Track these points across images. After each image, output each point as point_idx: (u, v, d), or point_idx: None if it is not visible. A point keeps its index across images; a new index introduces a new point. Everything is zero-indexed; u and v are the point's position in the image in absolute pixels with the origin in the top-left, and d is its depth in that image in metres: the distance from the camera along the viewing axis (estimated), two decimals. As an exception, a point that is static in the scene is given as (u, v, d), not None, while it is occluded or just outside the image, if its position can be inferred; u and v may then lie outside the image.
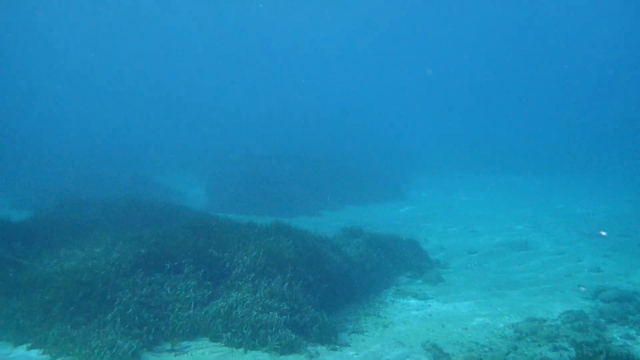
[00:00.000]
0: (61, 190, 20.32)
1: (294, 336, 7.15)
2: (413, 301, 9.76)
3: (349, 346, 7.37)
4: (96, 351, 6.49)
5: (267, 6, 63.62)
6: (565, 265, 12.57)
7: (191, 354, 6.78)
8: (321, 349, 7.17)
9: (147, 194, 18.75)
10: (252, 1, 62.82)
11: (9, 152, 29.05)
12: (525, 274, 11.93)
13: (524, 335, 7.81)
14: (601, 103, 59.24)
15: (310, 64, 74.29)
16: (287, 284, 8.28)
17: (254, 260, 8.71)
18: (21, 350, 6.82)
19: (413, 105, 65.95)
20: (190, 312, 7.60)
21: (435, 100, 67.67)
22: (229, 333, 7.16)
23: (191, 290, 8.05)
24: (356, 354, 7.09)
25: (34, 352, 6.74)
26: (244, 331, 7.12)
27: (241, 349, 6.94)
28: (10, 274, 8.33)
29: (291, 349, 6.96)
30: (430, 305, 9.47)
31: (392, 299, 9.90)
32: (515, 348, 7.34)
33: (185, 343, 7.09)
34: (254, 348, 6.95)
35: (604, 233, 15.44)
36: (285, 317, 7.53)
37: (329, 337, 7.47)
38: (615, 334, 7.85)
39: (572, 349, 7.14)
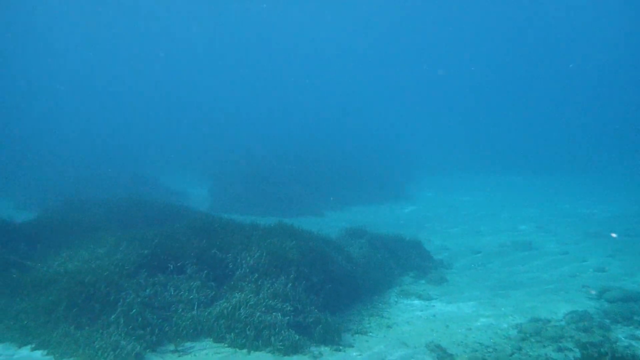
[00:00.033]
0: (63, 190, 20.33)
1: (297, 337, 7.14)
2: (417, 302, 9.73)
3: (353, 347, 7.35)
4: (100, 352, 6.49)
5: (267, 6, 63.63)
6: (570, 265, 12.53)
7: (195, 355, 6.77)
8: (325, 349, 7.16)
9: (149, 194, 18.77)
10: (252, 1, 62.79)
11: (11, 152, 29.08)
12: (530, 274, 11.90)
13: (528, 335, 7.78)
14: (601, 103, 59.28)
15: (311, 63, 74.32)
16: (290, 284, 8.27)
17: (257, 260, 8.70)
18: (25, 351, 6.82)
19: (413, 105, 66.02)
20: (194, 312, 7.60)
21: (436, 100, 67.71)
22: (232, 334, 7.15)
23: (194, 291, 8.04)
24: (360, 355, 7.07)
25: (38, 353, 6.74)
26: (248, 332, 7.11)
27: (244, 350, 6.93)
28: (14, 275, 8.33)
29: (295, 349, 6.95)
30: (434, 306, 9.45)
31: (396, 299, 9.88)
32: (520, 348, 7.32)
33: (188, 344, 7.08)
34: (257, 349, 6.95)
35: (614, 235, 15.21)
36: (288, 317, 7.52)
37: (333, 337, 7.45)
38: (621, 335, 7.82)
39: (576, 350, 7.12)
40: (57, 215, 12.62)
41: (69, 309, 7.23)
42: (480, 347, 7.38)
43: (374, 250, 11.76)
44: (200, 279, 8.38)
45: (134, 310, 7.26)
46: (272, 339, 7.01)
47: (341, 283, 9.40)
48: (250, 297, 7.83)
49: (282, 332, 7.15)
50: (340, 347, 7.26)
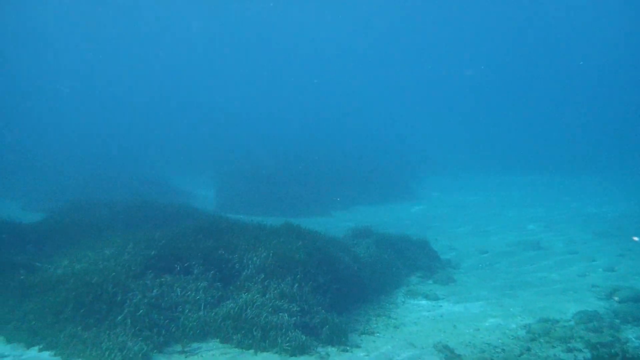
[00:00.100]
0: (70, 192, 20.44)
1: (304, 337, 7.11)
2: (424, 302, 9.68)
3: (360, 347, 7.31)
4: (107, 353, 6.50)
5: (267, 6, 63.64)
6: (579, 265, 12.42)
7: (201, 356, 6.77)
8: (331, 350, 7.13)
9: (154, 195, 18.81)
10: (252, 1, 62.80)
11: (18, 154, 29.25)
12: (538, 274, 11.80)
13: (537, 336, 7.70)
14: (602, 103, 58.80)
15: (312, 63, 74.20)
16: (297, 285, 8.25)
17: (263, 261, 8.68)
18: (33, 352, 6.84)
19: (416, 105, 65.75)
20: (201, 313, 7.59)
21: (438, 100, 67.37)
22: (239, 334, 7.14)
23: (201, 292, 8.03)
24: (367, 355, 7.04)
25: (46, 354, 6.76)
26: (254, 332, 7.09)
27: (251, 351, 6.92)
28: (22, 276, 8.37)
29: (301, 350, 6.92)
30: (441, 306, 9.39)
31: (403, 299, 9.83)
32: (528, 349, 7.24)
33: (195, 344, 7.08)
34: (264, 349, 6.93)
35: (636, 238, 14.63)
36: (295, 318, 7.49)
37: (340, 338, 7.42)
38: (631, 335, 7.72)
39: (586, 350, 7.04)
40: (63, 217, 12.70)
41: (76, 309, 7.25)
42: (489, 348, 7.32)
43: (381, 250, 11.71)
44: (206, 280, 8.38)
45: (141, 311, 7.27)
46: (279, 339, 6.99)
47: (348, 283, 9.37)
48: (257, 297, 7.82)
49: (289, 332, 7.12)
50: (347, 348, 7.23)
